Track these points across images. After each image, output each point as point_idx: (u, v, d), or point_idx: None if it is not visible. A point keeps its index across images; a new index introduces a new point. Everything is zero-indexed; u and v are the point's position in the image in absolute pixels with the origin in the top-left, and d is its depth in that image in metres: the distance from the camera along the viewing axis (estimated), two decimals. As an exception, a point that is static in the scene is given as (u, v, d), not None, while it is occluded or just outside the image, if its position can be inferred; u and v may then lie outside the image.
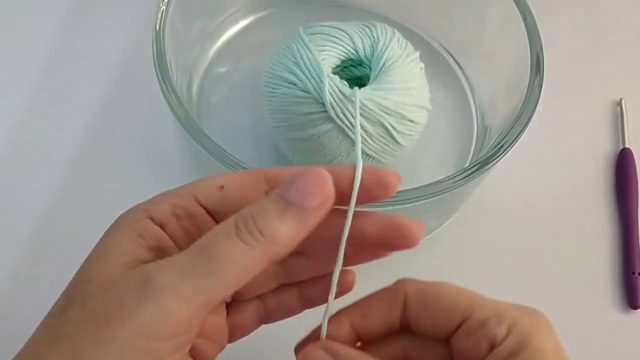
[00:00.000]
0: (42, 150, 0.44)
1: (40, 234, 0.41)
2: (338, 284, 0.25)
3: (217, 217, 0.25)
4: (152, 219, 0.24)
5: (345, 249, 0.24)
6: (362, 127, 0.37)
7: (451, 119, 0.45)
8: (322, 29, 0.40)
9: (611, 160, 0.46)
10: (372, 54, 0.39)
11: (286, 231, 0.22)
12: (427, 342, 0.26)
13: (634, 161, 0.46)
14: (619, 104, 0.48)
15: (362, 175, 0.23)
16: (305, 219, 0.22)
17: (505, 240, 0.43)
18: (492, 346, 0.23)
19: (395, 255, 0.41)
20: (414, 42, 0.41)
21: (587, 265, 0.43)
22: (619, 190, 0.45)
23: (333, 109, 0.36)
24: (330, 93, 0.37)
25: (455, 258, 0.42)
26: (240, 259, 0.21)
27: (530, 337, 0.23)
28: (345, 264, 0.25)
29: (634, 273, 0.42)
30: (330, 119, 0.37)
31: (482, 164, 0.35)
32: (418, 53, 0.40)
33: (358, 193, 0.23)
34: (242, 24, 0.48)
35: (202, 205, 0.25)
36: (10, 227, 0.41)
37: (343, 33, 0.40)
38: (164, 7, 0.38)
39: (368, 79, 0.40)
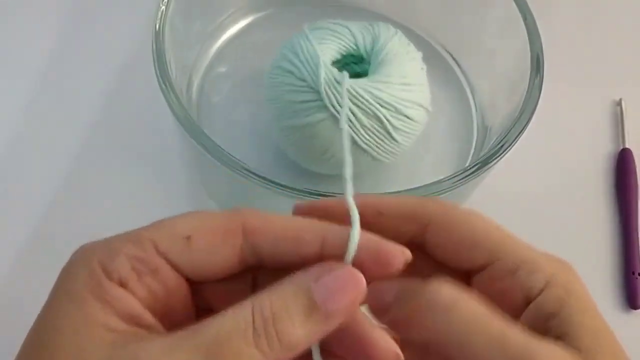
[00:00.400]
0: (43, 150, 0.44)
1: (40, 231, 0.41)
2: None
3: (179, 269, 0.21)
4: (110, 274, 0.20)
5: None
6: (356, 118, 0.37)
7: (451, 119, 0.45)
8: (326, 24, 0.41)
9: (611, 160, 0.46)
10: (372, 50, 0.40)
11: (305, 337, 0.19)
12: (441, 268, 0.23)
13: (634, 161, 0.46)
14: (619, 104, 0.48)
15: (357, 251, 0.21)
16: (329, 324, 0.20)
17: (505, 240, 0.43)
18: (528, 298, 0.21)
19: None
20: (414, 42, 0.41)
21: (587, 265, 0.42)
22: (619, 190, 0.45)
23: (328, 97, 0.36)
24: (325, 81, 0.37)
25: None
26: None
27: (571, 292, 0.22)
28: None
29: (634, 273, 0.42)
30: (325, 107, 0.37)
31: (482, 164, 0.35)
32: (420, 53, 0.41)
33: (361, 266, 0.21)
34: (242, 24, 0.48)
35: (163, 256, 0.21)
36: (10, 224, 0.41)
37: (345, 28, 0.40)
38: (164, 7, 0.38)
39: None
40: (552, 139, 0.46)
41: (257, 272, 0.22)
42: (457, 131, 0.45)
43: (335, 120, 0.37)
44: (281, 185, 0.33)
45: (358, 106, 0.37)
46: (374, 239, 0.21)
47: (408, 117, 0.38)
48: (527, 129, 0.36)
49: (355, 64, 0.41)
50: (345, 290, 0.20)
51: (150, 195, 0.42)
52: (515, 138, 0.36)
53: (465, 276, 0.23)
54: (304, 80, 0.37)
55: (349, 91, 0.37)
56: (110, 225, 0.44)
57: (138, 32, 0.48)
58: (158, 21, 0.37)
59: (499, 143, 0.36)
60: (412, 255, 0.21)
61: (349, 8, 0.49)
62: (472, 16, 0.45)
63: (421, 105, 0.39)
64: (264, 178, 0.33)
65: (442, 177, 0.34)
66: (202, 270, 0.21)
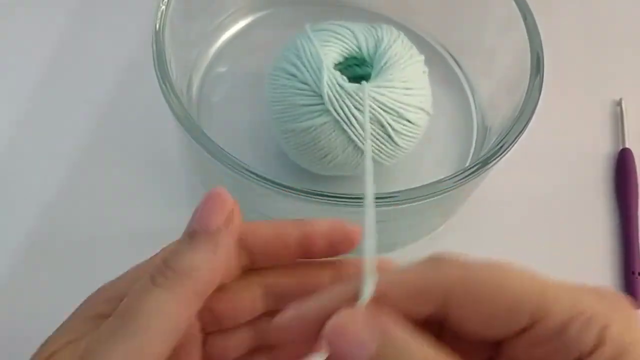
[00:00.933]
0: (43, 150, 0.44)
1: (41, 232, 0.41)
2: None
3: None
4: None
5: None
6: (357, 122, 0.37)
7: (451, 119, 0.45)
8: (328, 25, 0.41)
9: (611, 160, 0.46)
10: (375, 53, 0.40)
11: (200, 260, 0.21)
12: (462, 345, 0.19)
13: (634, 161, 0.46)
14: (619, 104, 0.48)
15: (329, 231, 0.23)
16: (217, 242, 0.21)
17: (505, 240, 0.43)
18: None
19: (395, 254, 0.42)
20: (414, 42, 0.41)
21: (587, 265, 0.43)
22: (619, 190, 0.45)
23: (330, 101, 0.36)
24: (328, 85, 0.37)
25: (455, 258, 0.42)
26: (161, 306, 0.20)
27: (628, 346, 0.18)
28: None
29: (634, 273, 0.42)
30: (327, 111, 0.37)
31: (482, 164, 0.35)
32: (422, 57, 0.40)
33: (324, 246, 0.23)
34: (242, 24, 0.48)
35: None
36: (10, 225, 0.41)
37: (348, 31, 0.40)
38: (164, 7, 0.38)
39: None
40: (552, 139, 0.46)
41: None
42: (457, 131, 0.45)
43: (337, 123, 0.37)
44: (281, 186, 0.33)
45: (360, 110, 0.37)
46: (339, 220, 0.23)
47: (410, 122, 0.38)
48: (527, 129, 0.36)
49: (358, 66, 0.41)
50: (214, 206, 0.22)
51: (150, 195, 0.42)
52: (515, 138, 0.36)
53: (494, 345, 0.19)
54: (306, 84, 0.37)
55: (350, 95, 0.36)
56: (110, 225, 0.44)
57: (138, 32, 0.48)
58: (158, 21, 0.37)
59: (499, 143, 0.36)
60: (433, 335, 0.18)
61: (349, 8, 0.49)
62: (472, 16, 0.45)
63: (422, 109, 0.39)
64: (264, 178, 0.33)
65: (442, 177, 0.34)
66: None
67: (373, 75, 0.39)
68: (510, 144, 0.35)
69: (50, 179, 0.43)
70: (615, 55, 0.51)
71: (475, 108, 0.46)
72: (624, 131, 0.47)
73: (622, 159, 0.46)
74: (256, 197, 0.36)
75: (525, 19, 0.39)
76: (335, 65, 0.39)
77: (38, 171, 0.43)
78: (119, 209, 0.42)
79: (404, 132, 0.38)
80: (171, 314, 0.20)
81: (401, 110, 0.37)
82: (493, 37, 0.44)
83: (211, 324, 0.23)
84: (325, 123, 0.37)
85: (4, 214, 0.41)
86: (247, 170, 0.33)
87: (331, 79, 0.37)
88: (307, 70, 0.38)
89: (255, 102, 0.43)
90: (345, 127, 0.37)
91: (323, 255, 0.23)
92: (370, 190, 0.23)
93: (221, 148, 0.33)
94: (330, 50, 0.39)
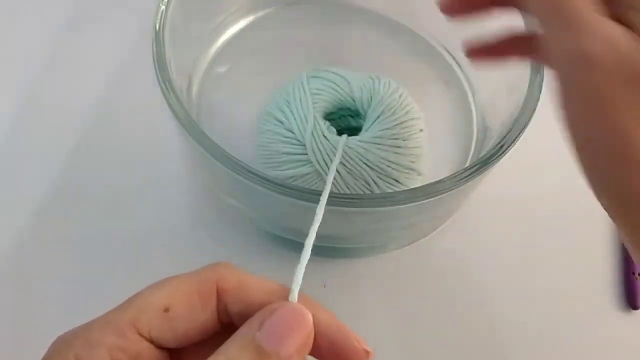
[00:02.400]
0: (41, 150, 0.44)
1: (38, 232, 0.41)
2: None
3: (160, 343, 0.21)
4: None
5: None
6: (341, 177, 0.36)
7: (451, 119, 0.45)
8: (324, 73, 0.40)
9: (611, 160, 0.46)
10: (369, 105, 0.39)
11: None
12: None
13: (634, 161, 0.46)
14: (619, 104, 0.48)
15: (332, 336, 0.21)
16: None
17: (505, 240, 0.43)
18: None
19: (395, 254, 0.42)
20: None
21: (587, 265, 0.43)
22: (619, 190, 0.45)
23: (313, 152, 0.36)
24: (313, 136, 0.36)
25: (455, 258, 0.42)
26: None
27: None
28: None
29: (634, 273, 0.42)
30: (309, 162, 0.36)
31: (482, 164, 0.35)
32: (422, 115, 0.40)
33: (326, 352, 0.21)
34: (242, 24, 0.48)
35: (144, 335, 0.20)
36: (7, 224, 0.41)
37: (343, 80, 0.40)
38: (163, 7, 0.38)
39: (363, 130, 0.39)
40: (552, 138, 0.46)
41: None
42: (457, 131, 0.45)
43: (319, 175, 0.37)
44: (281, 185, 0.33)
45: (344, 165, 0.36)
46: (343, 328, 0.21)
47: (397, 181, 0.37)
48: (527, 129, 0.36)
49: (352, 117, 0.41)
50: (293, 330, 0.19)
51: (150, 195, 0.42)
52: (515, 138, 0.36)
53: None
54: (291, 132, 0.37)
55: (334, 148, 0.36)
56: (110, 226, 0.44)
57: (138, 32, 0.48)
58: (158, 21, 0.37)
59: (499, 143, 0.36)
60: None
61: (349, 8, 0.48)
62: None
63: (413, 170, 0.38)
64: (264, 178, 0.33)
65: (442, 177, 0.34)
66: (183, 338, 0.21)
67: (364, 129, 0.38)
68: (510, 144, 0.35)
69: (48, 178, 0.43)
70: (615, 55, 0.51)
71: (475, 108, 0.46)
72: (624, 131, 0.47)
73: (622, 159, 0.46)
74: (256, 197, 0.36)
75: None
76: (327, 115, 0.39)
77: (36, 171, 0.43)
78: (118, 209, 0.42)
79: (390, 190, 0.37)
80: None
81: (388, 169, 0.37)
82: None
83: None
84: (308, 174, 0.37)
85: (1, 214, 0.41)
86: (247, 170, 0.33)
87: (317, 130, 0.36)
88: (295, 119, 0.37)
89: (255, 102, 0.43)
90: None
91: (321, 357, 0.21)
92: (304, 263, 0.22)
93: (221, 148, 0.33)
94: (322, 99, 0.39)
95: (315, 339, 0.20)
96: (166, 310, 0.20)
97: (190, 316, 0.21)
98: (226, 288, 0.21)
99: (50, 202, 0.42)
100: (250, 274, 0.22)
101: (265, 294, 0.21)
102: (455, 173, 0.34)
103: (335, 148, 0.36)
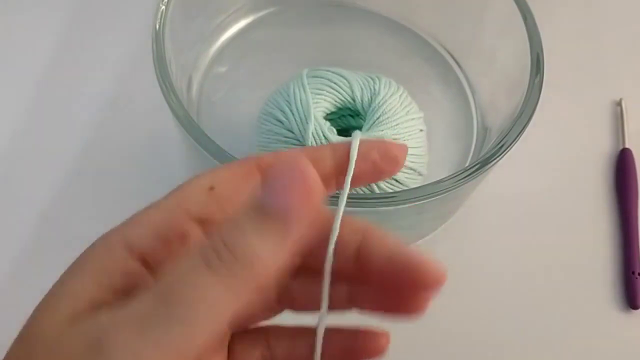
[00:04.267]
0: (42, 149, 0.44)
1: (40, 232, 0.41)
2: (364, 348, 0.21)
3: (211, 226, 0.20)
4: (131, 249, 0.19)
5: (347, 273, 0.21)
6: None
7: (451, 119, 0.45)
8: (325, 73, 0.40)
9: (611, 160, 0.46)
10: (369, 105, 0.39)
11: (268, 250, 0.17)
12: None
13: (634, 161, 0.46)
14: (619, 104, 0.48)
15: (368, 150, 0.22)
16: (290, 229, 0.17)
17: (505, 240, 0.43)
18: None
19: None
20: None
21: (587, 265, 0.43)
22: (619, 190, 0.45)
23: None
24: (313, 136, 0.36)
25: (455, 258, 0.42)
26: (213, 298, 0.17)
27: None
28: (359, 304, 0.21)
29: (634, 273, 0.42)
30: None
31: (482, 164, 0.35)
32: (422, 114, 0.40)
33: (366, 170, 0.21)
34: (242, 23, 0.48)
35: (194, 217, 0.20)
36: (9, 224, 0.41)
37: (344, 80, 0.40)
38: (163, 7, 0.38)
39: (363, 130, 0.39)
40: (552, 139, 0.46)
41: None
42: (457, 131, 0.45)
43: None
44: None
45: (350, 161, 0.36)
46: (377, 139, 0.22)
47: (397, 181, 0.38)
48: (527, 129, 0.36)
49: (352, 117, 0.41)
50: (293, 183, 0.17)
51: (150, 196, 0.42)
52: (515, 138, 0.36)
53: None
54: (292, 132, 0.37)
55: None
56: (110, 226, 0.44)
57: (138, 32, 0.48)
58: (158, 21, 0.37)
59: (499, 143, 0.36)
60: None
61: (349, 8, 0.48)
62: (472, 16, 0.45)
63: (414, 170, 0.38)
64: (264, 178, 0.33)
65: (442, 177, 0.34)
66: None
67: (364, 129, 0.38)
68: (510, 144, 0.35)
69: (49, 179, 0.43)
70: (615, 55, 0.52)
71: (475, 108, 0.46)
72: (624, 131, 0.47)
73: (622, 159, 0.46)
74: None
75: (525, 19, 0.39)
76: (327, 114, 0.39)
77: (37, 171, 0.43)
78: (118, 209, 0.42)
79: (390, 190, 0.37)
80: (224, 311, 0.17)
81: None
82: (493, 37, 0.44)
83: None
84: None
85: (3, 214, 0.41)
86: (247, 170, 0.33)
87: (317, 130, 0.36)
88: (295, 119, 0.37)
89: (255, 102, 0.42)
90: None
91: (365, 178, 0.22)
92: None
93: (221, 148, 0.33)
94: (322, 99, 0.39)
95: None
96: (211, 188, 0.20)
97: (234, 193, 0.20)
98: (268, 163, 0.21)
99: (51, 202, 0.42)
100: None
101: (306, 153, 0.21)
102: (455, 173, 0.34)
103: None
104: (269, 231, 0.17)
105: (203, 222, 0.20)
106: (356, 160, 0.21)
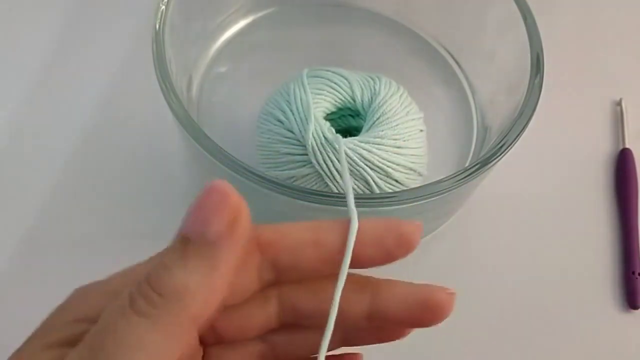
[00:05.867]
0: (41, 149, 0.44)
1: (38, 232, 0.41)
2: None
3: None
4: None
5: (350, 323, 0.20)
6: (342, 177, 0.36)
7: (451, 119, 0.45)
8: (325, 73, 0.40)
9: (611, 160, 0.46)
10: (370, 106, 0.39)
11: (196, 281, 0.16)
12: None
13: (634, 161, 0.46)
14: (619, 104, 0.48)
15: (381, 231, 0.19)
16: (217, 255, 0.16)
17: (505, 240, 0.43)
18: None
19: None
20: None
21: (587, 265, 0.43)
22: (619, 190, 0.45)
23: (314, 153, 0.36)
24: (314, 137, 0.36)
25: (455, 258, 0.42)
26: (145, 341, 0.16)
27: None
28: (352, 343, 0.20)
29: (634, 273, 0.42)
30: (310, 163, 0.36)
31: (482, 164, 0.35)
32: (421, 115, 0.40)
33: (376, 253, 0.19)
34: (243, 23, 0.48)
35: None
36: (7, 224, 0.41)
37: (344, 80, 0.40)
38: (163, 6, 0.38)
39: (363, 130, 0.39)
40: (552, 139, 0.46)
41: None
42: (457, 131, 0.45)
43: (320, 176, 0.37)
44: (281, 185, 0.33)
45: (341, 163, 0.36)
46: (390, 218, 0.19)
47: (397, 181, 0.37)
48: (527, 129, 0.36)
49: (352, 117, 0.41)
50: (214, 206, 0.16)
51: (150, 196, 0.42)
52: (515, 138, 0.36)
53: None
54: (292, 132, 0.37)
55: (335, 149, 0.36)
56: (109, 226, 0.44)
57: (138, 32, 0.48)
58: (158, 21, 0.37)
59: (499, 143, 0.36)
60: None
61: (349, 8, 0.48)
62: (472, 16, 0.45)
63: (414, 170, 0.38)
64: (264, 178, 0.33)
65: (442, 177, 0.34)
66: (227, 299, 0.19)
67: (364, 129, 0.38)
68: (510, 144, 0.35)
69: (48, 179, 0.43)
70: (615, 55, 0.51)
71: (475, 108, 0.46)
72: (624, 131, 0.47)
73: (622, 159, 0.46)
74: (256, 198, 0.36)
75: (525, 19, 0.39)
76: (327, 114, 0.39)
77: (36, 171, 0.43)
78: (118, 209, 0.42)
79: (390, 190, 0.37)
80: (158, 351, 0.16)
81: (389, 170, 0.37)
82: (493, 37, 0.44)
83: (212, 337, 0.20)
84: (308, 174, 0.37)
85: (1, 213, 0.41)
86: (247, 170, 0.33)
87: (317, 130, 0.36)
88: (295, 119, 0.37)
89: (255, 102, 0.42)
90: (327, 180, 0.37)
91: (374, 264, 0.20)
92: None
93: (221, 148, 0.33)
94: (323, 99, 0.39)
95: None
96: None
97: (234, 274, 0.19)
98: (269, 240, 0.19)
99: (50, 202, 0.42)
100: (284, 223, 0.20)
101: (313, 232, 0.19)
102: (455, 173, 0.34)
103: (335, 148, 0.36)
104: (195, 260, 0.16)
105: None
106: (368, 246, 0.19)
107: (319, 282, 0.20)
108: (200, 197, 0.17)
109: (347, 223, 0.19)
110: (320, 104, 0.38)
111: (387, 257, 0.19)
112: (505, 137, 0.36)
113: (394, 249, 0.19)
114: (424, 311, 0.19)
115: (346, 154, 0.36)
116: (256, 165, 0.37)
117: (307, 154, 0.36)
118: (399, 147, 0.37)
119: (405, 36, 0.48)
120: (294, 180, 0.37)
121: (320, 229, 0.19)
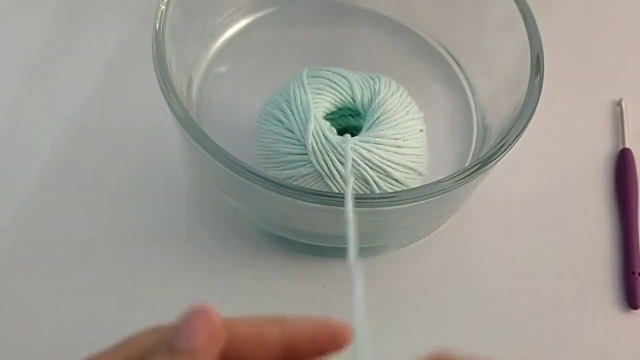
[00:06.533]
0: (41, 149, 0.44)
1: (38, 232, 0.41)
2: None
3: None
4: None
5: None
6: (341, 176, 0.36)
7: (451, 119, 0.45)
8: (325, 73, 0.40)
9: (611, 160, 0.46)
10: (370, 105, 0.39)
11: None
12: None
13: (634, 161, 0.46)
14: (619, 104, 0.48)
15: (315, 331, 0.22)
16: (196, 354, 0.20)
17: (505, 240, 0.43)
18: None
19: (396, 254, 0.42)
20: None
21: (586, 265, 0.43)
22: (619, 190, 0.45)
23: (314, 153, 0.36)
24: (314, 136, 0.36)
25: (455, 258, 0.42)
26: None
27: None
28: None
29: (634, 273, 0.42)
30: (310, 162, 0.36)
31: (482, 164, 0.35)
32: (422, 114, 0.40)
33: (310, 349, 0.21)
34: (242, 23, 0.48)
35: None
36: (4, 224, 0.41)
37: (344, 80, 0.40)
38: (163, 6, 0.38)
39: (363, 129, 0.39)
40: (552, 139, 0.46)
41: None
42: (457, 131, 0.45)
43: (319, 176, 0.37)
44: (281, 185, 0.33)
45: (345, 165, 0.36)
46: (325, 320, 0.22)
47: (397, 181, 0.37)
48: (527, 129, 0.36)
49: (352, 117, 0.41)
50: (199, 323, 0.20)
51: (150, 195, 0.42)
52: (515, 138, 0.36)
53: None
54: (292, 132, 0.37)
55: (335, 149, 0.36)
56: (109, 226, 0.44)
57: (138, 31, 0.48)
58: (158, 21, 0.37)
59: (499, 143, 0.36)
60: None
61: (349, 8, 0.48)
62: (472, 16, 0.45)
63: (413, 170, 0.38)
64: (264, 178, 0.33)
65: (442, 177, 0.34)
66: None
67: (364, 129, 0.38)
68: (510, 144, 0.35)
69: (47, 178, 0.42)
70: (615, 55, 0.51)
71: (475, 108, 0.46)
72: (624, 131, 0.47)
73: (622, 159, 0.46)
74: (256, 197, 0.36)
75: (525, 19, 0.39)
76: (327, 114, 0.39)
77: (35, 171, 0.43)
78: (118, 209, 0.42)
79: (390, 190, 0.37)
80: None
81: (389, 169, 0.37)
82: (493, 37, 0.44)
83: None
84: (308, 174, 0.37)
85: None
86: (247, 170, 0.33)
87: (317, 130, 0.36)
88: (295, 119, 0.37)
89: (255, 102, 0.42)
90: (327, 180, 0.36)
91: (309, 357, 0.22)
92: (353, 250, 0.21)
93: (221, 148, 0.33)
94: (322, 99, 0.39)
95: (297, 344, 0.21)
96: None
97: None
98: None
99: (48, 202, 0.42)
100: (235, 317, 0.22)
101: (257, 326, 0.22)
102: (455, 173, 0.34)
103: (335, 148, 0.36)
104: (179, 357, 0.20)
105: None
106: (300, 340, 0.21)
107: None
108: (188, 314, 0.20)
109: (285, 320, 0.22)
110: (320, 103, 0.38)
111: (319, 352, 0.22)
112: (505, 137, 0.36)
113: (327, 347, 0.21)
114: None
115: (346, 153, 0.36)
116: (256, 165, 0.37)
117: (307, 154, 0.36)
118: (398, 147, 0.37)
119: (405, 36, 0.48)
120: (294, 180, 0.37)
121: (259, 325, 0.22)
